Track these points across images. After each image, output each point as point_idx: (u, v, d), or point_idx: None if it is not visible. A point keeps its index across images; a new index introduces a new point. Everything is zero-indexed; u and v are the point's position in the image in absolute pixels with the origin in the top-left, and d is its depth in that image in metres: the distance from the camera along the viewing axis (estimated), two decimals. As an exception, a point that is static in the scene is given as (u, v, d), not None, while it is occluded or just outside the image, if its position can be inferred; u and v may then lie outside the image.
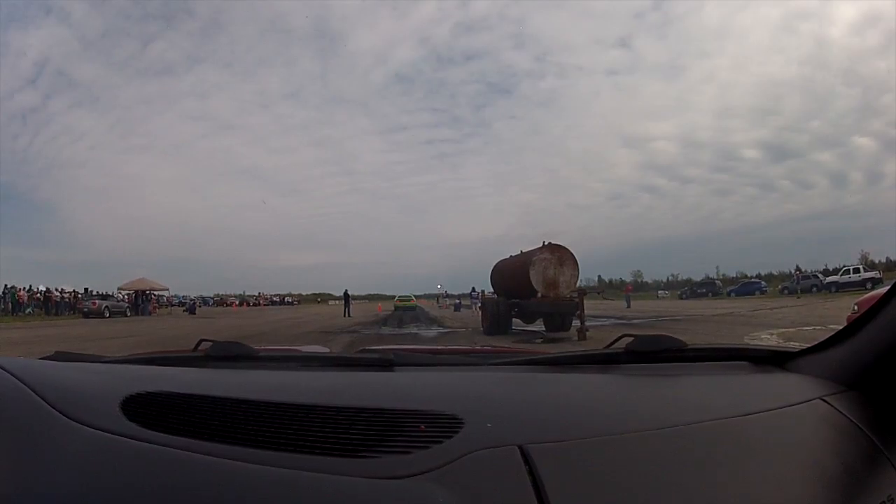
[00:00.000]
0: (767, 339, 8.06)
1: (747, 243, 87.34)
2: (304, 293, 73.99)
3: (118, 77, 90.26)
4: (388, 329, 14.80)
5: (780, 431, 0.63)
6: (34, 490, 0.48)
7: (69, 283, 32.24)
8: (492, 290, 13.99)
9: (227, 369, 0.88)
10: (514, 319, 11.76)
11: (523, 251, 12.09)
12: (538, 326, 11.78)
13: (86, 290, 30.46)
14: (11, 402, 0.60)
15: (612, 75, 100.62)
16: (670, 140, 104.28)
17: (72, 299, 28.93)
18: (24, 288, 27.35)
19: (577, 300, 10.32)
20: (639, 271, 71.95)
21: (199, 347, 1.00)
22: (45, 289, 28.75)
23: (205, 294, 59.79)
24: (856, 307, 4.39)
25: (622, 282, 56.54)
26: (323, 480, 0.49)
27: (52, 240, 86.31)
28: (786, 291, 30.85)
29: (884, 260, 43.38)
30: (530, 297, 10.86)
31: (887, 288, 0.74)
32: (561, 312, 10.89)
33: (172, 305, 40.82)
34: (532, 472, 0.49)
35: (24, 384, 0.62)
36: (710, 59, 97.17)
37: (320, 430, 0.57)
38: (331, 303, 52.46)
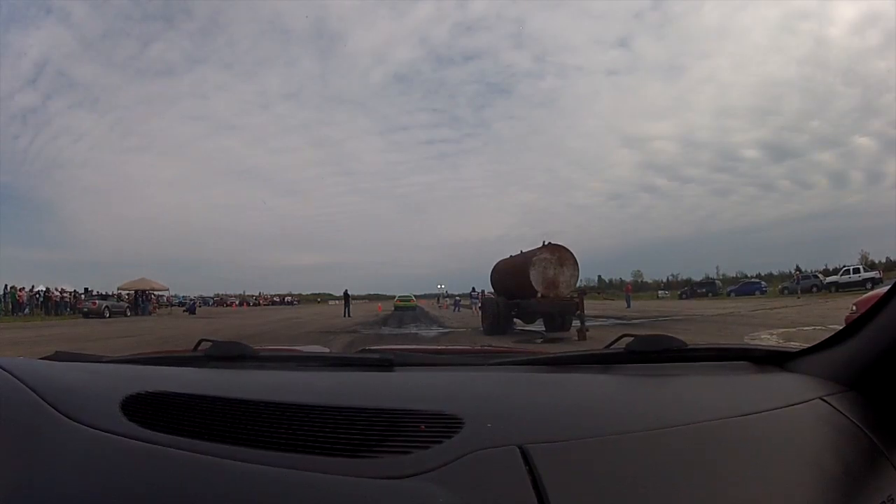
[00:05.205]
0: (767, 339, 8.04)
1: (747, 243, 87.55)
2: (304, 293, 74.22)
3: (118, 77, 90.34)
4: (388, 329, 14.78)
5: (780, 431, 0.63)
6: (34, 490, 0.48)
7: (69, 283, 32.23)
8: (492, 290, 13.99)
9: (227, 369, 0.88)
10: (514, 319, 11.76)
11: (523, 251, 12.09)
12: (538, 326, 11.77)
13: (86, 290, 30.52)
14: (11, 402, 0.60)
15: (612, 75, 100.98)
16: (670, 140, 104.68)
17: (72, 299, 28.89)
18: (24, 288, 27.31)
19: (577, 300, 10.33)
20: (639, 271, 72.22)
21: (199, 347, 1.00)
22: (45, 289, 28.72)
23: (205, 294, 60.04)
24: (855, 307, 4.38)
25: (622, 282, 56.68)
26: (323, 480, 0.49)
27: (52, 240, 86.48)
28: (786, 291, 30.85)
29: (884, 260, 43.50)
30: (530, 297, 10.85)
31: (887, 288, 0.74)
32: (561, 312, 10.90)
33: (172, 305, 40.78)
34: (532, 472, 0.49)
35: (24, 384, 0.63)
36: (709, 59, 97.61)
37: (320, 430, 0.57)
38: (331, 303, 52.45)
